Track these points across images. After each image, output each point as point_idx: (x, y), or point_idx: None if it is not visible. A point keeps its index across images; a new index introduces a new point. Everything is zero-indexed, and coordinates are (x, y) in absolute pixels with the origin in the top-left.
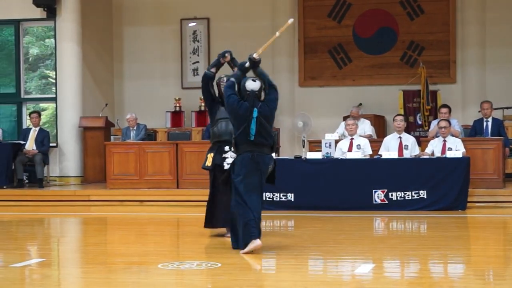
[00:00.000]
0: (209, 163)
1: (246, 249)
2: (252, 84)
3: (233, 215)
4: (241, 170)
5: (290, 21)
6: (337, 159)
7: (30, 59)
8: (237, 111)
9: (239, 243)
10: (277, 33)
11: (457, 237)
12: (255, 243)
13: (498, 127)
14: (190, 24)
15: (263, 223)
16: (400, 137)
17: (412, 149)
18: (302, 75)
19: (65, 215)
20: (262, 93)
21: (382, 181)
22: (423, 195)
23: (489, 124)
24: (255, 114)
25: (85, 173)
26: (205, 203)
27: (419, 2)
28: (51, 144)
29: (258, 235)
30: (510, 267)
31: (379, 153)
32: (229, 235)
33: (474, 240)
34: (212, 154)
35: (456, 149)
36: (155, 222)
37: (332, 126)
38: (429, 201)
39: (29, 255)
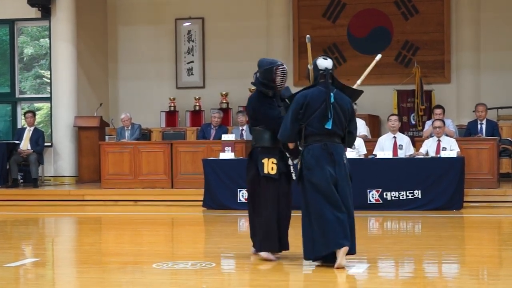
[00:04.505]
0: (272, 170)
1: (339, 262)
2: (325, 62)
3: (307, 216)
4: (313, 162)
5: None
6: None
7: (25, 58)
8: (309, 98)
9: (316, 250)
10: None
11: (452, 237)
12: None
13: (493, 129)
14: (185, 24)
15: None
16: (394, 137)
17: (406, 149)
18: (296, 74)
19: (59, 214)
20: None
21: (377, 181)
22: (418, 194)
23: (484, 126)
24: (332, 99)
25: (80, 173)
26: (200, 203)
27: (413, 2)
28: (45, 144)
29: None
30: (505, 267)
31: (373, 153)
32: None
33: (468, 240)
34: (274, 160)
35: (450, 149)
36: (149, 221)
37: None
38: (423, 201)
39: (24, 254)
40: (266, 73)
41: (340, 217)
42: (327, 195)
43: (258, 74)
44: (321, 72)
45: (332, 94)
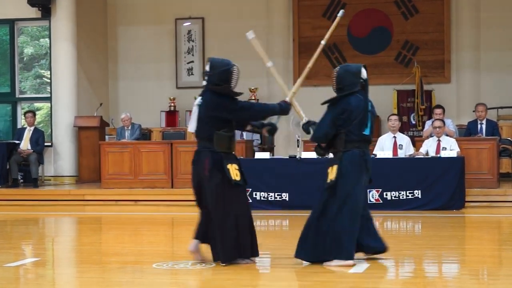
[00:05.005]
0: (237, 176)
1: (334, 263)
2: (365, 72)
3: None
4: (350, 168)
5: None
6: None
7: (25, 58)
8: (351, 106)
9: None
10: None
11: (452, 237)
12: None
13: (493, 129)
14: (185, 24)
15: (257, 223)
16: (394, 137)
17: (406, 149)
18: (296, 74)
19: (59, 214)
20: None
21: (377, 181)
22: (418, 194)
23: (484, 126)
24: (369, 107)
25: (80, 173)
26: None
27: (413, 1)
28: (45, 144)
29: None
30: (505, 267)
31: (373, 152)
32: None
33: (468, 240)
34: (236, 166)
35: (450, 148)
36: (149, 221)
37: None
38: (423, 201)
39: (24, 254)
40: (223, 74)
41: (356, 230)
42: (355, 204)
43: (211, 75)
44: (361, 81)
45: (370, 103)
